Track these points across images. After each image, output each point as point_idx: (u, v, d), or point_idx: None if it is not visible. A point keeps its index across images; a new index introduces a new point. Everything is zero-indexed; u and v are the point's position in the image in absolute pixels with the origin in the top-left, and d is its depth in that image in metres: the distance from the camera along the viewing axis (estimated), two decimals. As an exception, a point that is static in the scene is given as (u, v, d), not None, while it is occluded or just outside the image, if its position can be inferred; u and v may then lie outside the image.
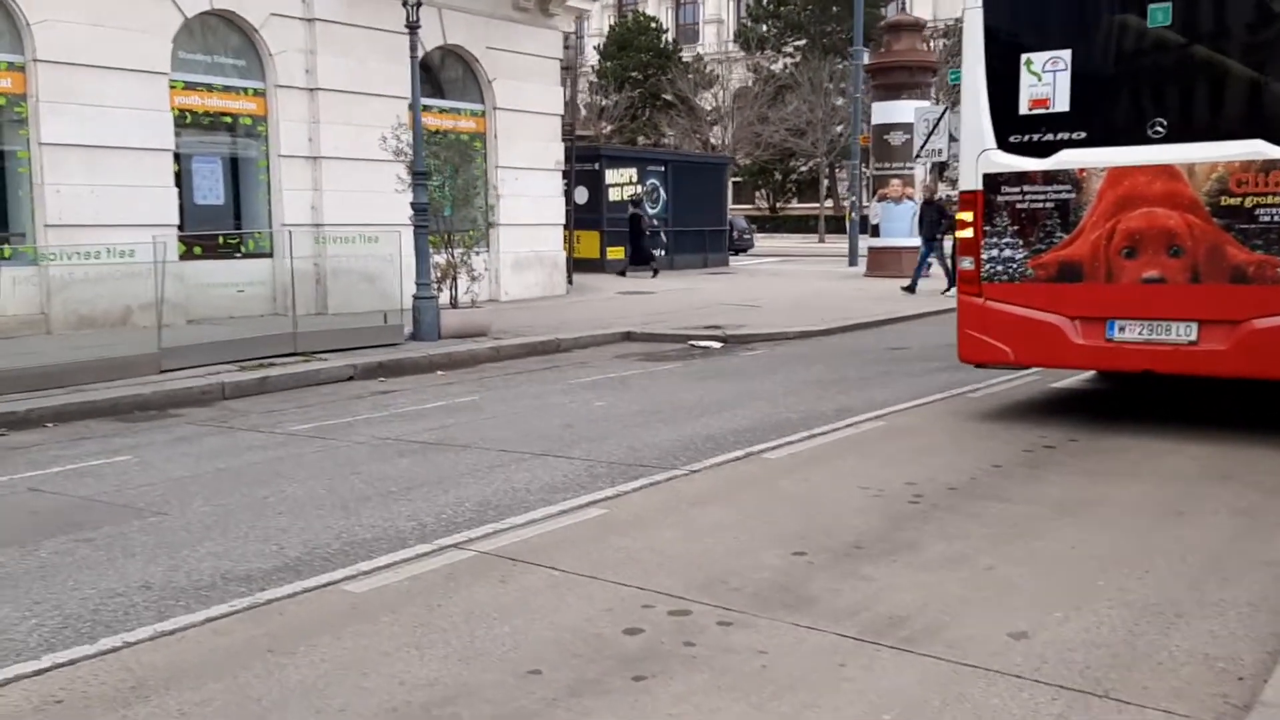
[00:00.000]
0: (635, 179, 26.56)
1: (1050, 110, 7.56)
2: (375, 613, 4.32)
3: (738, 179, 54.72)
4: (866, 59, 28.18)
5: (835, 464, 6.75)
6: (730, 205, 32.97)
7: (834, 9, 57.74)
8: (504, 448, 7.41)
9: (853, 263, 28.85)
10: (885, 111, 24.06)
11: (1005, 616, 4.20)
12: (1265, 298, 6.87)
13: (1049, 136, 7.59)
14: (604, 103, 53.32)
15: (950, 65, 38.80)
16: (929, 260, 19.93)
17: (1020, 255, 7.68)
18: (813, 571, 4.75)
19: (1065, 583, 4.56)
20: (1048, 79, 7.56)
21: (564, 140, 20.16)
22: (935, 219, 19.73)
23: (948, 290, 18.56)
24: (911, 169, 23.27)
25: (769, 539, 5.22)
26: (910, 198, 23.57)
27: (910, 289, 19.12)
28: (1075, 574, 4.67)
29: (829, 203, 59.41)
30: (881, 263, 23.76)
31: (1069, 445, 7.18)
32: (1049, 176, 7.55)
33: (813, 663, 3.79)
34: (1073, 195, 7.47)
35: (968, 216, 7.90)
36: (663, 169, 27.43)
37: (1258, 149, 6.86)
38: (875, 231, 24.25)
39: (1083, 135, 7.48)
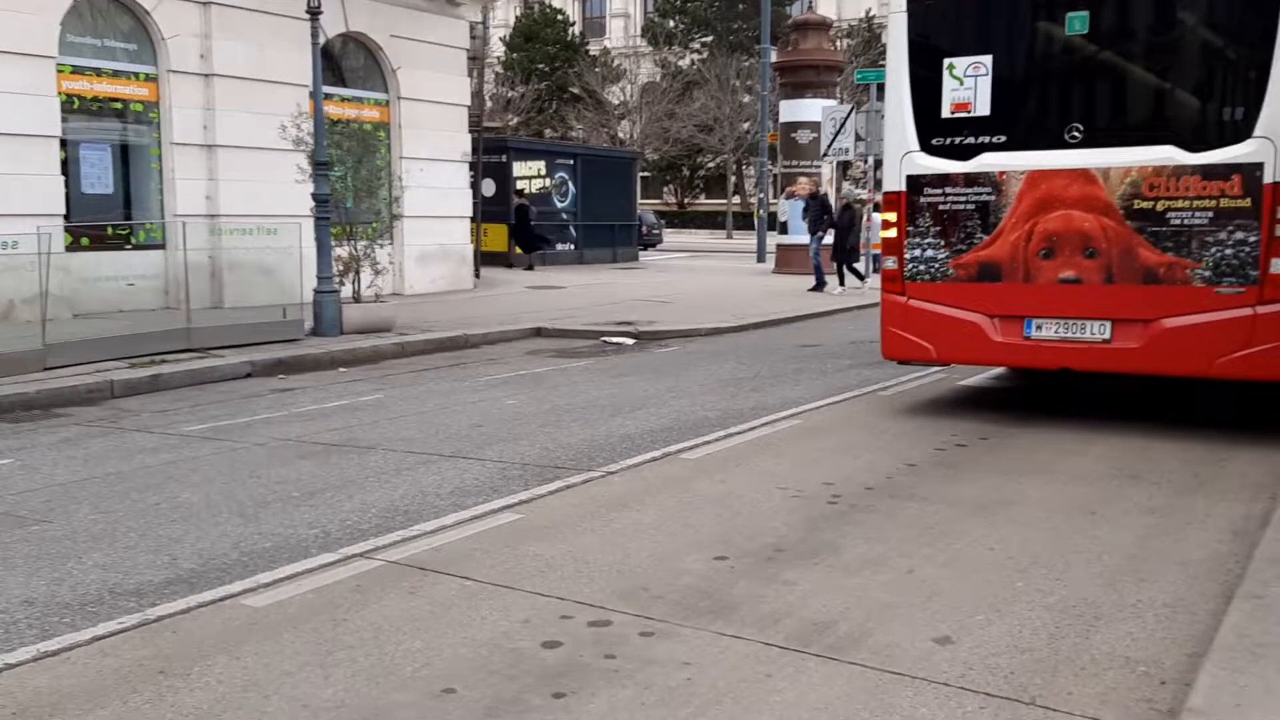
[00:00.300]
0: (544, 172, 26.30)
1: (971, 114, 7.75)
2: (276, 629, 4.08)
3: (645, 174, 54.67)
4: (774, 57, 28.33)
5: (753, 464, 6.66)
6: (639, 200, 32.78)
7: (740, 6, 58.07)
8: (412, 449, 7.17)
9: (761, 259, 29.02)
10: (793, 110, 24.19)
11: (929, 621, 4.15)
12: (1175, 298, 7.15)
13: (970, 140, 7.77)
14: (510, 94, 52.76)
15: (856, 65, 39.36)
16: (815, 255, 19.67)
17: (942, 255, 7.86)
18: (735, 577, 4.65)
19: (986, 585, 4.53)
20: (969, 84, 7.73)
21: (471, 132, 19.81)
22: (818, 214, 19.52)
23: (812, 289, 18.95)
24: (819, 167, 23.46)
25: (689, 543, 5.10)
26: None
27: (818, 288, 19.14)
28: (995, 576, 4.65)
29: (736, 199, 59.79)
30: (790, 260, 23.88)
31: (981, 443, 7.22)
32: (970, 179, 7.74)
33: (738, 674, 3.68)
34: (993, 197, 7.66)
35: (891, 217, 8.08)
36: (571, 162, 27.21)
37: (1170, 155, 7.13)
38: (784, 229, 24.38)
39: (1003, 139, 7.69)
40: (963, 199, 7.79)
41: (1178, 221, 7.12)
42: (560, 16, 63.57)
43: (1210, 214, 7.03)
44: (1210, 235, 7.04)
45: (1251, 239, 6.93)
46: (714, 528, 5.34)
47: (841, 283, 19.01)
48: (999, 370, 10.07)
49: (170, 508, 5.78)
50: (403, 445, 7.28)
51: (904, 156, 7.95)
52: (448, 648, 3.90)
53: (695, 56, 58.77)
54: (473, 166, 20.08)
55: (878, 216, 23.05)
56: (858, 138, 19.74)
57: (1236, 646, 3.61)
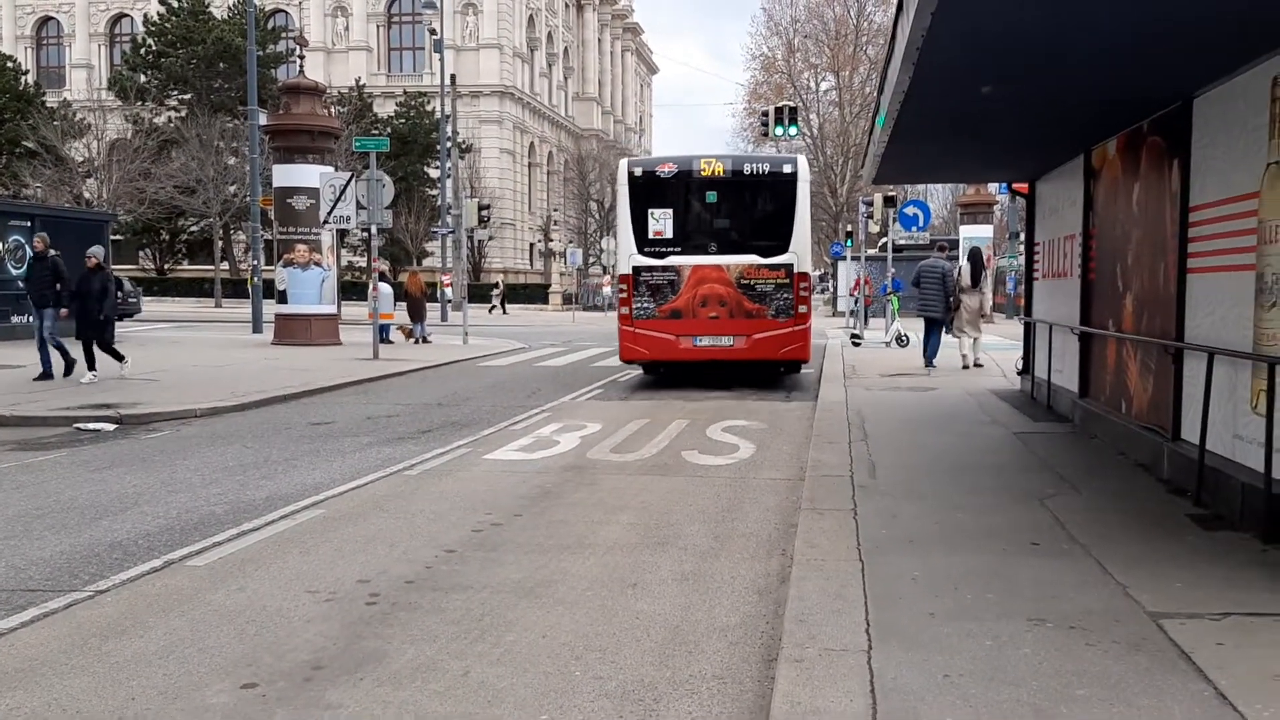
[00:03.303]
0: (-7, 234, 22.87)
1: (665, 237, 15.01)
2: None
3: (119, 237, 49.83)
4: (263, 119, 27.13)
5: (276, 566, 5.96)
6: (112, 266, 29.51)
7: (222, 65, 55.44)
8: None
9: (257, 329, 27.41)
10: (287, 174, 23.22)
11: (493, 730, 3.84)
12: (761, 324, 14.82)
13: (664, 249, 15.01)
14: (-53, 145, 45.84)
15: (352, 132, 38.92)
16: (51, 334, 15.18)
17: (651, 305, 14.99)
18: (269, 707, 4.03)
19: (544, 678, 4.33)
20: (663, 221, 15.01)
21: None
22: (48, 281, 15.19)
23: (39, 377, 14.94)
24: (318, 234, 22.66)
25: (209, 671, 4.37)
26: (319, 264, 22.94)
27: (46, 376, 15.07)
28: (551, 666, 4.46)
29: (225, 265, 56.54)
30: (291, 330, 22.77)
31: (515, 521, 7.08)
32: (665, 269, 14.98)
33: (289, 835, 3.11)
34: (676, 277, 14.95)
35: (624, 286, 15.08)
36: (28, 224, 23.88)
37: (754, 259, 14.90)
38: (282, 298, 23.19)
39: (679, 249, 15.01)
40: (661, 278, 14.97)
41: (760, 290, 14.85)
42: (10, 64, 56.58)
43: (773, 286, 14.86)
44: (773, 296, 14.86)
45: (790, 297, 14.89)
46: (237, 648, 4.65)
47: (91, 366, 14.89)
48: (526, 441, 10.27)
49: None
50: None
51: (630, 255, 15.04)
52: None
53: (173, 114, 55.09)
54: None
55: (384, 287, 22.85)
56: (359, 205, 19.33)
57: (792, 715, 3.69)
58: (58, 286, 15.12)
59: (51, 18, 75.09)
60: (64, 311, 15.10)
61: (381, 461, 9.27)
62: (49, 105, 53.72)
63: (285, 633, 4.85)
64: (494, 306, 50.15)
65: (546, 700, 4.10)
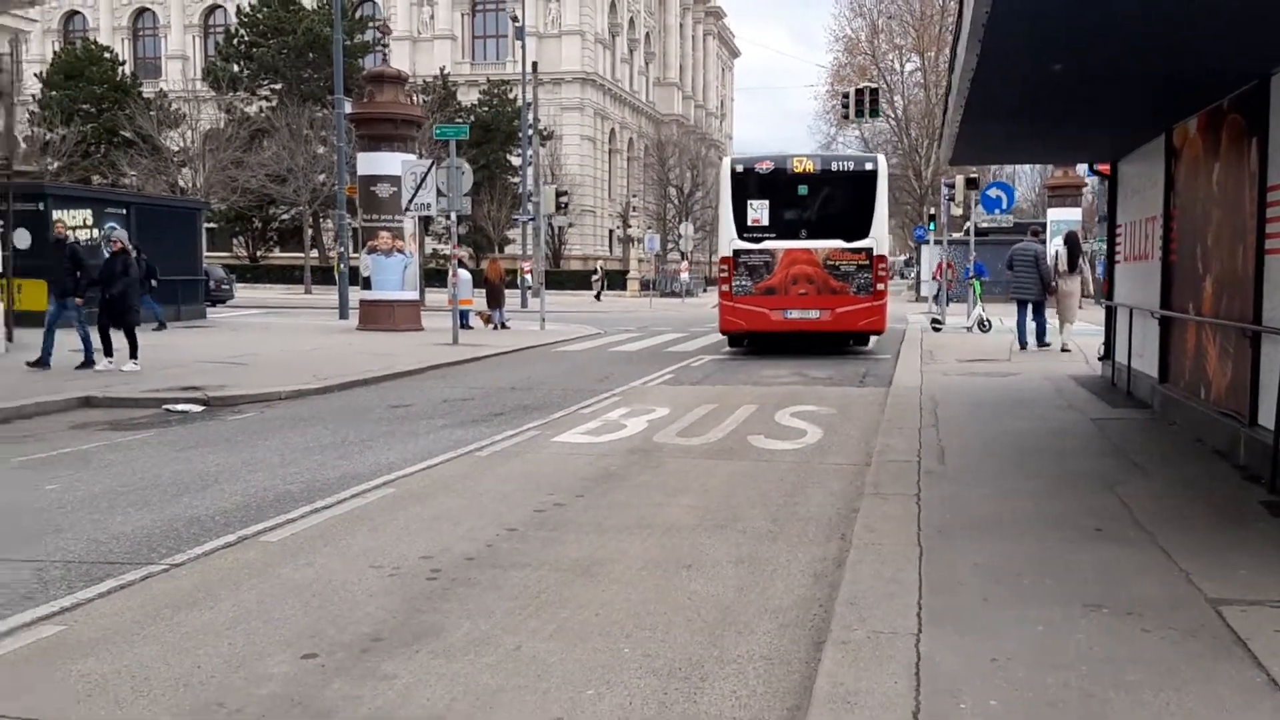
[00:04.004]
0: (91, 221, 23.73)
1: (761, 224, 17.44)
2: None
3: (212, 225, 51.36)
4: (349, 108, 27.65)
5: (344, 542, 6.15)
6: (205, 253, 30.47)
7: (311, 55, 56.62)
8: (-80, 554, 5.93)
9: (344, 315, 28.04)
10: (371, 163, 23.63)
11: (539, 702, 3.93)
12: (844, 299, 17.24)
13: (760, 235, 17.46)
14: (49, 136, 47.57)
15: (435, 120, 39.40)
16: (79, 323, 14.87)
17: (749, 283, 17.44)
18: (327, 676, 4.17)
19: (593, 654, 4.40)
20: (760, 211, 17.45)
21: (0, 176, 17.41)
22: (69, 270, 14.77)
23: (34, 363, 14.51)
24: (401, 221, 23.05)
25: (273, 641, 4.54)
26: (401, 250, 23.34)
27: (86, 364, 14.76)
28: (602, 643, 4.53)
29: (314, 252, 57.82)
30: (375, 316, 23.21)
31: (577, 502, 7.18)
32: (760, 251, 17.45)
33: (337, 797, 3.23)
34: (770, 259, 17.40)
35: (725, 267, 17.62)
36: (124, 212, 24.76)
37: (839, 243, 17.31)
38: (367, 284, 23.64)
39: (774, 235, 17.45)
40: (758, 259, 17.41)
41: (844, 270, 17.26)
42: (108, 54, 58.65)
43: (855, 267, 17.28)
44: (855, 275, 17.27)
45: (869, 276, 17.29)
46: (301, 620, 4.81)
47: (108, 353, 14.83)
48: (594, 424, 10.39)
49: None
50: (-93, 550, 6.00)
51: (730, 240, 17.52)
52: (-39, 817, 3.11)
53: (264, 104, 56.42)
54: (2, 215, 17.64)
55: (464, 273, 23.16)
56: (439, 193, 19.62)
57: (834, 696, 3.70)
58: (78, 275, 14.79)
59: (147, 9, 77.35)
60: (79, 300, 14.82)
61: (453, 443, 9.45)
62: (145, 96, 55.44)
63: (348, 606, 5.01)
64: (599, 293, 49.93)
65: (594, 675, 4.18)
